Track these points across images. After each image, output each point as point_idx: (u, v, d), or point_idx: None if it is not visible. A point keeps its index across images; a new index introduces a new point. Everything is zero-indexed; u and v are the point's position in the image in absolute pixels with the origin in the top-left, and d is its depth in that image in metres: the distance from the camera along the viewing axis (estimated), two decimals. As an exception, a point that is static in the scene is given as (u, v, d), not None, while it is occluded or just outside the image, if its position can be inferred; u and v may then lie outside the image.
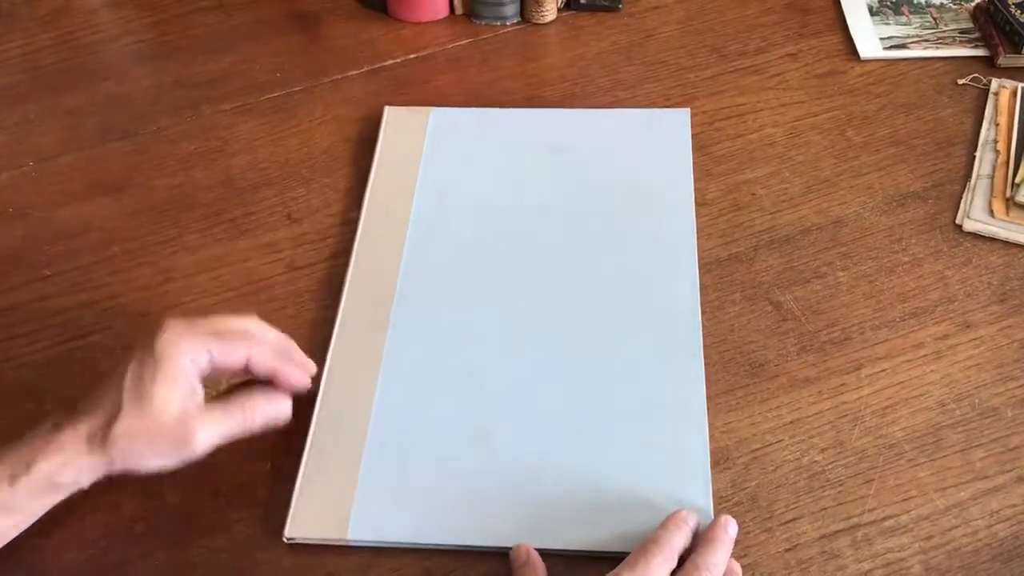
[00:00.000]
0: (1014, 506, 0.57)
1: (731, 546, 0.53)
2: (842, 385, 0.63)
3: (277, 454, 0.61)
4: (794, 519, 0.57)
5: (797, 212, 0.72)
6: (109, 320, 0.68)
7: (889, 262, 0.69)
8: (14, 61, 0.86)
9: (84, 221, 0.74)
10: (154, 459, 0.52)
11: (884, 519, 0.57)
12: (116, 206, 0.75)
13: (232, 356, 0.54)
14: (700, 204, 0.72)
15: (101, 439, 0.51)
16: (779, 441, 0.60)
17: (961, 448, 0.60)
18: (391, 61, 0.85)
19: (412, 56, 0.85)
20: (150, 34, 0.88)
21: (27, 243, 0.73)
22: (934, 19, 0.85)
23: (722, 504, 0.58)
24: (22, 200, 0.76)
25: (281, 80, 0.84)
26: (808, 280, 0.68)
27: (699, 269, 0.68)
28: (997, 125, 0.76)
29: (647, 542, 0.52)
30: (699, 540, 0.53)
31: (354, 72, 0.84)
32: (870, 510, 0.57)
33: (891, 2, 0.86)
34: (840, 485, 0.58)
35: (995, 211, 0.70)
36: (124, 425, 0.51)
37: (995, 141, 0.75)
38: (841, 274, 0.68)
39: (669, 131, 0.76)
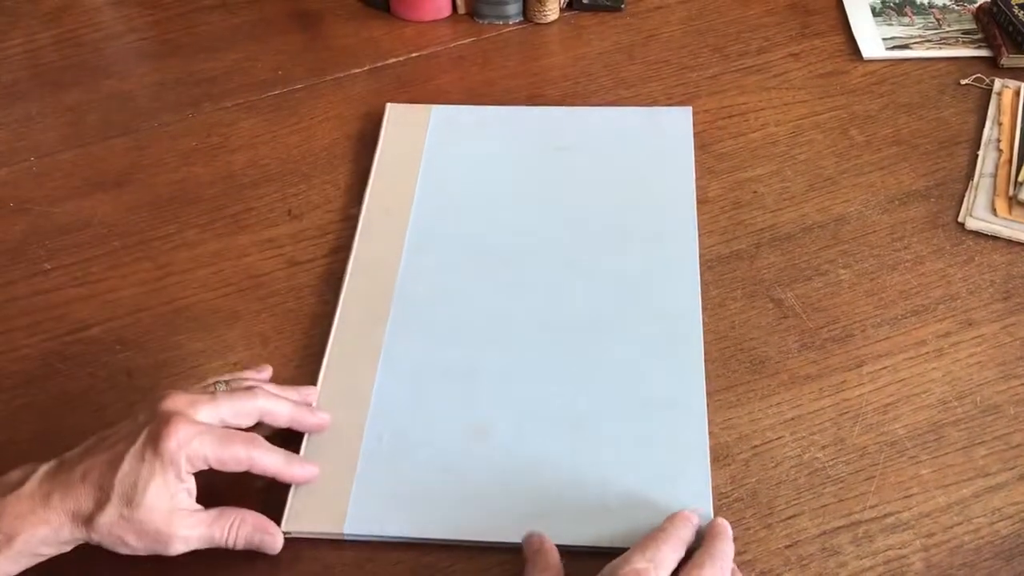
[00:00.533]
0: (1016, 504, 0.57)
1: (732, 546, 0.53)
2: (843, 382, 0.62)
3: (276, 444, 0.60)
4: (794, 516, 0.57)
5: (799, 210, 0.72)
6: (108, 314, 0.68)
7: (891, 260, 0.68)
8: (16, 58, 0.86)
9: (84, 216, 0.74)
10: (128, 550, 0.52)
11: (885, 516, 0.56)
12: (116, 201, 0.75)
13: (233, 467, 0.54)
14: (702, 202, 0.72)
15: (85, 520, 0.50)
16: (780, 438, 0.60)
17: (963, 445, 0.59)
18: (393, 60, 0.85)
19: (414, 55, 0.85)
20: (152, 32, 0.88)
21: (27, 237, 0.73)
22: (937, 20, 0.84)
23: (722, 500, 0.57)
24: (23, 195, 0.76)
25: (283, 78, 0.84)
26: (810, 278, 0.68)
27: (700, 266, 0.67)
28: (1000, 125, 0.75)
29: (656, 531, 0.52)
30: (704, 536, 0.53)
31: (356, 70, 0.84)
32: (871, 507, 0.57)
33: (894, 3, 0.86)
34: (841, 482, 0.58)
35: (998, 209, 0.70)
36: (109, 516, 0.50)
37: (998, 140, 0.74)
38: (843, 272, 0.68)
39: (671, 129, 0.76)
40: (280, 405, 0.57)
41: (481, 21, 0.87)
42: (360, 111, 0.80)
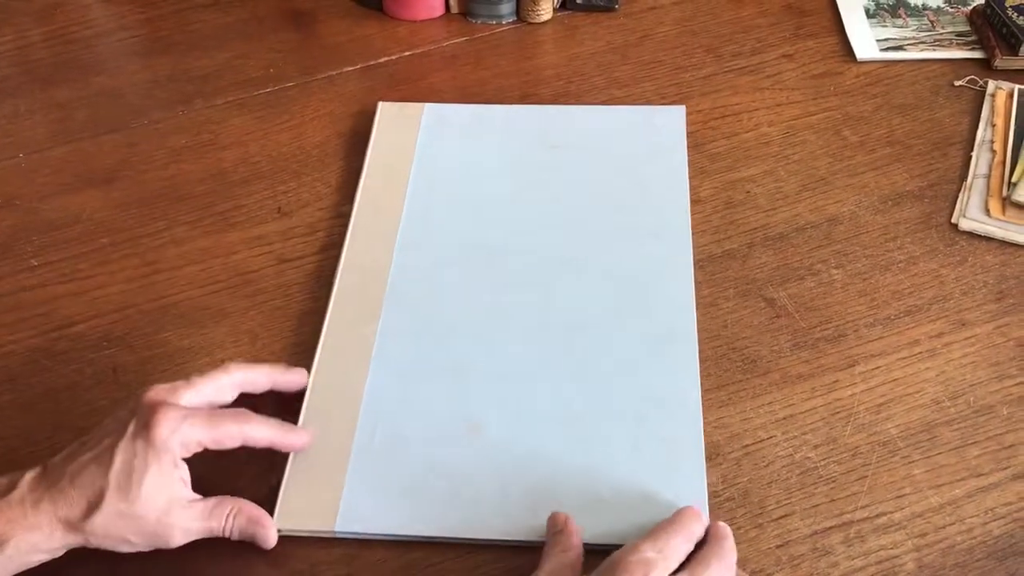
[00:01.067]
0: (1009, 504, 0.56)
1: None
2: (835, 382, 0.62)
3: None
4: (786, 515, 0.56)
5: (792, 210, 0.71)
6: (95, 311, 0.67)
7: (884, 260, 0.68)
8: (6, 55, 0.86)
9: (73, 213, 0.73)
10: (128, 547, 0.51)
11: (877, 516, 0.56)
12: (105, 198, 0.74)
13: (227, 444, 0.54)
14: (694, 201, 0.72)
15: (78, 523, 0.50)
16: (771, 437, 0.60)
17: (956, 446, 0.59)
18: (385, 58, 0.84)
19: (407, 53, 0.85)
20: (144, 30, 0.88)
21: (15, 233, 0.72)
22: (931, 22, 0.84)
23: (713, 499, 0.57)
24: (11, 191, 0.75)
25: (274, 76, 0.83)
26: (802, 277, 0.67)
27: (693, 265, 0.67)
28: (994, 126, 0.75)
29: (666, 522, 0.51)
30: (708, 537, 0.52)
31: (348, 69, 0.84)
32: (863, 507, 0.56)
33: (888, 5, 0.86)
34: (833, 482, 0.57)
35: (991, 210, 0.70)
36: (105, 515, 0.50)
37: (991, 142, 0.74)
38: (835, 272, 0.67)
39: (664, 128, 0.76)
40: (256, 372, 0.57)
41: (474, 20, 0.87)
42: (352, 109, 0.80)
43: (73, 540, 0.50)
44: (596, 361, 0.62)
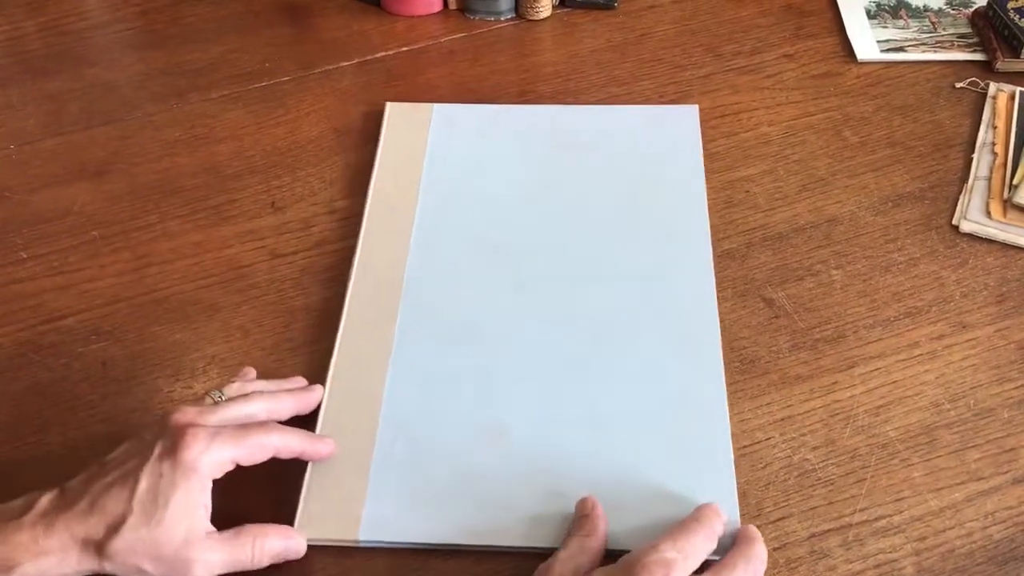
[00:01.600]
0: (1009, 508, 0.55)
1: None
2: (835, 383, 0.61)
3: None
4: (783, 518, 0.55)
5: (791, 210, 0.71)
6: (84, 304, 0.66)
7: (884, 261, 0.67)
8: (-1, 46, 0.85)
9: (64, 205, 0.73)
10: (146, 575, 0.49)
11: (876, 519, 0.55)
12: (97, 191, 0.73)
13: (258, 456, 0.53)
14: (693, 200, 0.71)
15: (97, 547, 0.48)
16: (769, 438, 0.59)
17: (956, 449, 0.58)
18: (383, 54, 0.83)
19: (404, 49, 0.84)
20: (139, 22, 0.87)
21: (4, 225, 0.71)
22: (932, 23, 0.84)
23: (709, 501, 0.56)
24: (1, 183, 0.74)
25: (270, 70, 0.82)
26: (801, 278, 0.67)
27: (713, 264, 0.66)
28: (995, 128, 0.74)
29: (686, 520, 0.51)
30: (737, 539, 0.52)
31: (345, 64, 0.83)
32: (861, 510, 0.56)
33: (889, 6, 0.85)
34: (831, 484, 0.57)
35: (992, 213, 0.69)
36: (126, 540, 0.47)
37: (993, 144, 0.73)
38: (835, 272, 0.67)
39: (678, 127, 0.75)
40: (282, 402, 0.56)
41: (472, 17, 0.86)
42: (348, 105, 0.79)
43: (88, 566, 0.48)
44: (620, 362, 0.61)
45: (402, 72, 0.82)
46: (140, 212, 0.72)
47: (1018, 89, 0.77)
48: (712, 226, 0.69)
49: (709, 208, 0.70)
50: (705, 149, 0.74)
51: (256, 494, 0.56)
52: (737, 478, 0.57)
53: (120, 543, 0.47)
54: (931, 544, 0.54)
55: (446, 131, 0.75)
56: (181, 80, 0.82)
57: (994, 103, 0.76)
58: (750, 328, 0.64)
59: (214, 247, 0.70)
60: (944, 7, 0.85)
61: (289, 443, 0.54)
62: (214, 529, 0.51)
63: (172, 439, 0.50)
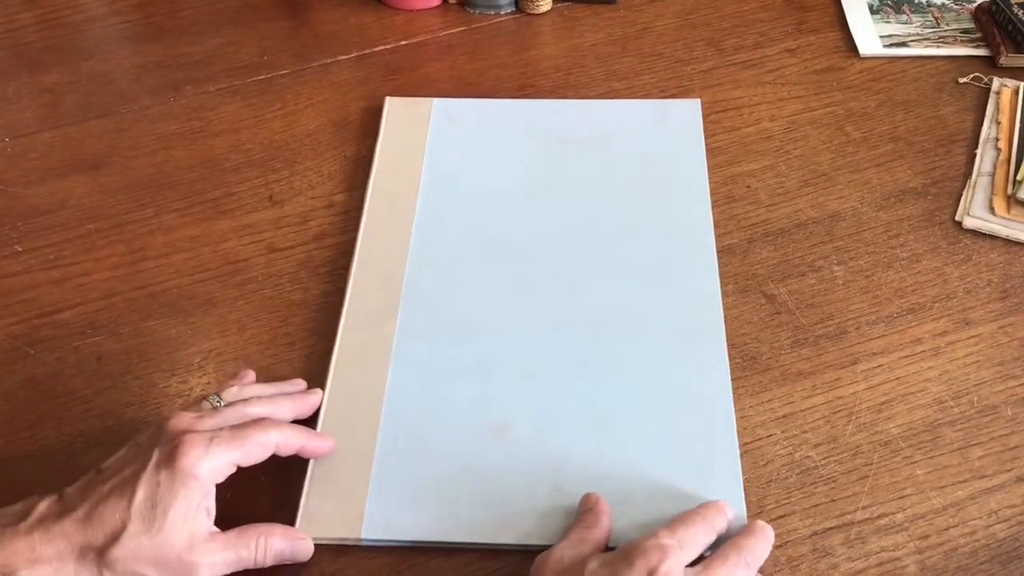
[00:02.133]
0: (1013, 506, 0.55)
1: (769, 548, 0.51)
2: (837, 380, 0.60)
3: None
4: (785, 515, 0.55)
5: (793, 205, 0.70)
6: (80, 298, 0.66)
7: (887, 257, 0.67)
8: (-5, 38, 0.84)
9: (59, 198, 0.72)
10: None
11: (878, 517, 0.55)
12: (93, 184, 0.73)
13: (259, 456, 0.52)
14: (694, 195, 0.70)
15: (97, 556, 0.46)
16: (771, 435, 0.58)
17: (959, 446, 0.57)
18: (381, 47, 0.83)
19: (403, 43, 0.83)
20: (136, 15, 0.86)
21: (-1, 218, 0.71)
22: (935, 18, 0.83)
23: (710, 498, 0.55)
24: (-4, 175, 0.73)
25: (268, 63, 0.82)
26: (803, 274, 0.66)
27: (717, 259, 0.66)
28: (998, 124, 0.74)
29: (687, 512, 0.51)
30: (742, 530, 0.51)
31: (343, 57, 0.82)
32: (864, 507, 0.55)
33: (892, 1, 0.85)
34: (833, 481, 0.56)
35: (996, 208, 0.68)
36: (127, 548, 0.46)
37: (996, 139, 0.73)
38: (837, 268, 0.66)
39: (680, 121, 0.74)
40: (280, 406, 0.55)
41: (472, 11, 0.85)
42: (346, 98, 0.79)
43: (88, 573, 0.47)
44: (623, 358, 0.61)
45: (401, 66, 0.81)
46: (136, 206, 0.71)
47: (1022, 84, 0.76)
48: (713, 221, 0.69)
49: (711, 204, 0.70)
50: (706, 144, 0.74)
51: (257, 492, 0.55)
52: (738, 475, 0.56)
53: (120, 551, 0.47)
54: (934, 542, 0.54)
55: (446, 125, 0.74)
56: (178, 73, 0.81)
57: (998, 98, 0.76)
58: (751, 324, 0.63)
59: (211, 241, 0.69)
60: (947, 2, 0.84)
61: (289, 440, 0.53)
62: (217, 530, 0.50)
63: (169, 446, 0.49)
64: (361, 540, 0.54)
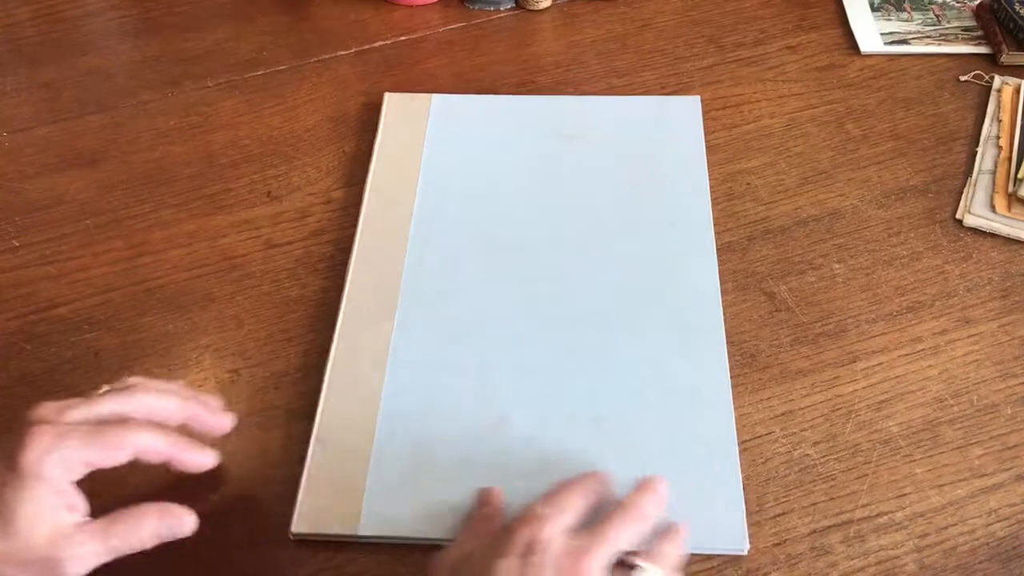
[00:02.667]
0: (1013, 505, 0.55)
1: (660, 504, 0.50)
2: (836, 378, 0.60)
3: (277, 443, 0.58)
4: (783, 513, 0.55)
5: (793, 203, 0.70)
6: (77, 293, 0.65)
7: (887, 255, 0.66)
8: (-7, 32, 0.84)
9: (57, 193, 0.72)
10: None
11: (877, 515, 0.54)
12: (90, 179, 0.72)
13: (116, 458, 0.47)
14: (693, 192, 0.70)
15: None
16: (770, 433, 0.58)
17: (959, 445, 0.57)
18: (380, 43, 0.83)
19: (402, 38, 0.83)
20: (134, 10, 0.86)
21: (-4, 213, 0.70)
22: (936, 16, 0.83)
23: (709, 496, 0.55)
24: (-7, 170, 0.73)
25: (266, 59, 0.81)
26: (803, 271, 0.66)
27: (716, 256, 0.65)
28: (999, 122, 0.74)
29: (563, 480, 0.50)
30: (633, 489, 0.50)
31: (342, 53, 0.82)
32: (863, 506, 0.55)
33: (893, -2, 0.85)
34: (832, 480, 0.56)
35: (996, 207, 0.68)
36: None
37: (997, 137, 0.73)
38: (837, 266, 0.66)
39: (680, 118, 0.74)
40: (166, 401, 0.50)
41: (472, 7, 0.85)
42: (345, 94, 0.78)
43: None
44: (622, 356, 0.60)
45: (400, 61, 0.81)
46: (134, 201, 0.71)
47: (1023, 82, 0.76)
48: (713, 219, 0.68)
49: (711, 201, 0.69)
50: (706, 141, 0.73)
51: (252, 487, 0.55)
52: (737, 473, 0.56)
53: None
54: (933, 541, 0.53)
55: (445, 121, 0.74)
56: (176, 68, 0.81)
57: (999, 96, 0.76)
58: (751, 322, 0.63)
59: (208, 236, 0.69)
60: (948, 0, 0.84)
61: (155, 443, 0.48)
62: (87, 520, 0.46)
63: (15, 440, 0.45)
64: (358, 536, 0.53)
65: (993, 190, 0.69)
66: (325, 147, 0.74)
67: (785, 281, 0.65)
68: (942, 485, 0.56)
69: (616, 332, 0.61)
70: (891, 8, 0.84)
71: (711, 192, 0.70)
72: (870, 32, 0.81)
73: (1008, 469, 0.56)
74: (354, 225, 0.68)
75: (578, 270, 0.65)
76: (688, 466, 0.55)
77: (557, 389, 0.59)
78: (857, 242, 0.67)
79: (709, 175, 0.71)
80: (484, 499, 0.53)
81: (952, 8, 0.83)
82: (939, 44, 0.80)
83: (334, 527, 0.54)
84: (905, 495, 0.55)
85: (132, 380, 0.52)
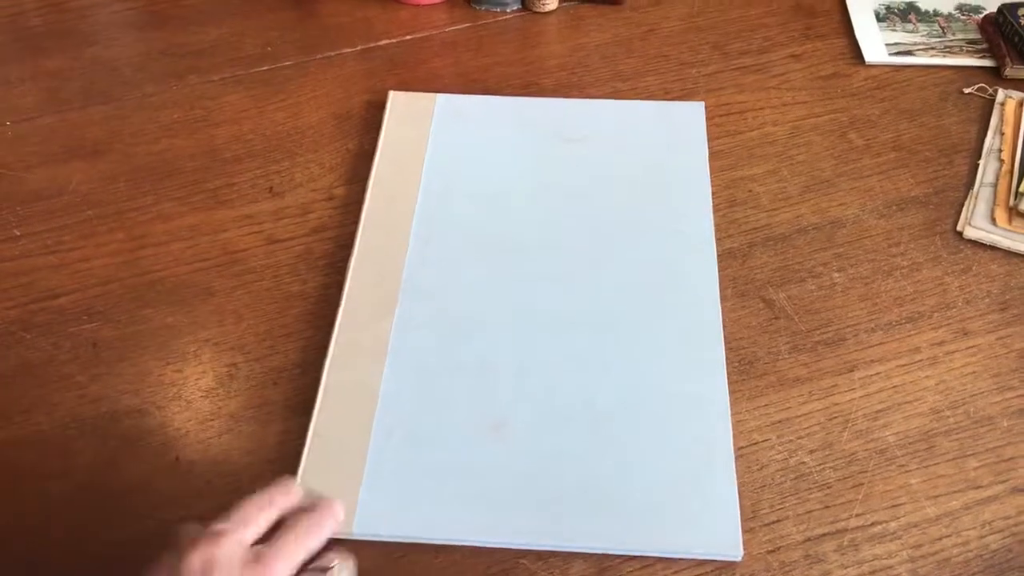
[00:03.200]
0: (1008, 517, 0.55)
1: (335, 522, 0.49)
2: (834, 386, 0.60)
3: (275, 438, 0.58)
4: (778, 520, 0.55)
5: (794, 211, 0.70)
6: (77, 284, 0.65)
7: (887, 265, 0.67)
8: (-1, 22, 0.84)
9: (59, 184, 0.72)
10: None
11: (872, 525, 0.54)
12: (93, 170, 0.73)
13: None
14: (695, 198, 0.70)
15: None
16: (766, 440, 0.58)
17: (954, 456, 0.57)
18: (386, 41, 0.83)
19: (408, 37, 0.83)
20: (141, 2, 0.86)
21: (-2, 202, 0.70)
22: (942, 28, 0.83)
23: (704, 502, 0.55)
24: (-4, 159, 0.73)
25: (272, 54, 0.81)
26: (803, 279, 0.66)
27: (717, 262, 0.65)
28: (1002, 135, 0.74)
29: (247, 496, 0.48)
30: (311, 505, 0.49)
31: (348, 50, 0.82)
32: (858, 515, 0.55)
33: (898, 9, 0.85)
34: (828, 488, 0.56)
35: (997, 219, 0.68)
36: None
37: (1000, 150, 0.73)
38: (837, 275, 0.66)
39: (683, 124, 0.74)
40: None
41: (478, 7, 0.85)
42: (350, 91, 0.78)
43: None
44: (621, 359, 0.60)
45: (405, 60, 0.81)
46: (136, 193, 0.71)
47: (1026, 96, 0.76)
48: (714, 225, 0.68)
49: (712, 207, 0.69)
50: (709, 147, 0.73)
51: (249, 482, 0.55)
52: (732, 479, 0.56)
53: None
54: (927, 552, 0.53)
55: (449, 121, 0.74)
56: (182, 61, 0.81)
57: (1002, 109, 0.76)
58: (750, 329, 0.63)
59: (210, 230, 0.69)
60: (954, 12, 0.84)
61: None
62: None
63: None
64: (353, 536, 0.53)
65: (994, 203, 0.69)
66: (328, 144, 0.74)
67: (785, 289, 0.65)
68: (937, 496, 0.56)
69: (615, 335, 0.62)
70: (897, 19, 0.84)
71: (713, 198, 0.70)
72: (875, 42, 0.81)
73: (1003, 481, 0.56)
74: (355, 222, 0.68)
75: (578, 273, 0.65)
76: (683, 471, 0.55)
77: (555, 391, 0.59)
78: (857, 251, 0.67)
79: (711, 181, 0.71)
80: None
81: (958, 20, 0.84)
82: (944, 56, 0.80)
83: None
84: (900, 505, 0.55)
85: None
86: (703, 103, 0.75)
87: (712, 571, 0.53)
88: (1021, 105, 0.76)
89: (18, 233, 0.68)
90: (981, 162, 0.72)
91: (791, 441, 0.58)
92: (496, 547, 0.54)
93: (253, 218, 0.69)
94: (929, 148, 0.74)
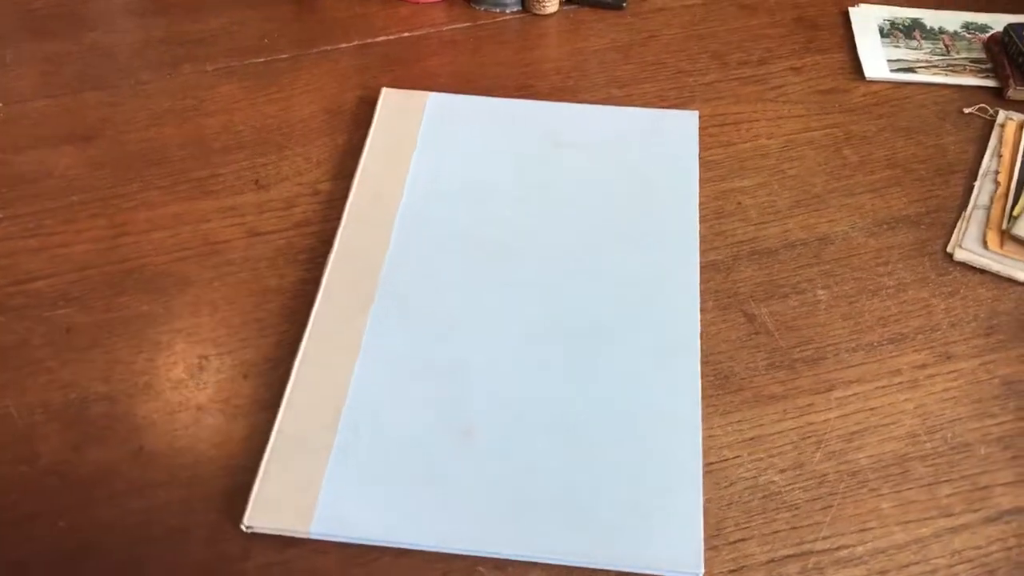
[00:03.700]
0: (978, 548, 0.54)
1: None
2: (810, 405, 0.59)
3: (241, 433, 0.58)
4: (743, 539, 0.54)
5: (782, 225, 0.69)
6: (55, 268, 0.65)
7: (873, 285, 0.65)
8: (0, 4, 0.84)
9: (46, 167, 0.72)
10: None
11: (838, 548, 0.53)
12: (81, 155, 0.72)
13: None
14: (683, 208, 0.69)
15: None
16: (736, 457, 0.57)
17: (928, 482, 0.56)
18: (383, 38, 0.82)
19: (405, 35, 0.83)
20: (142, -11, 0.86)
21: (-16, 183, 0.70)
22: (946, 46, 0.82)
23: (669, 516, 0.54)
24: (-14, 140, 0.73)
25: (267, 46, 0.81)
26: (786, 295, 0.65)
27: (699, 275, 0.65)
28: (1000, 156, 0.72)
29: None
30: None
31: (344, 45, 0.81)
32: (824, 538, 0.54)
33: (903, 26, 0.83)
34: (796, 509, 0.55)
35: (989, 243, 0.67)
36: None
37: (996, 172, 0.71)
38: (821, 292, 0.65)
39: (676, 133, 0.73)
40: None
41: (478, 7, 0.85)
42: (343, 86, 0.78)
43: None
44: (596, 368, 0.60)
45: (401, 58, 0.80)
46: (122, 180, 0.71)
47: (1027, 119, 0.75)
48: (700, 236, 0.68)
49: (698, 218, 0.68)
50: (701, 157, 0.73)
51: (212, 477, 0.55)
52: (699, 495, 0.55)
53: None
54: (892, 578, 0.52)
55: (439, 121, 0.74)
56: (178, 50, 0.81)
57: (1002, 131, 0.74)
58: (728, 343, 0.62)
59: (192, 220, 0.68)
60: (960, 30, 0.83)
61: None
62: None
63: None
64: (309, 535, 0.53)
65: (987, 226, 0.68)
66: (317, 138, 0.74)
67: (767, 304, 0.64)
68: (907, 522, 0.55)
69: (591, 344, 0.61)
70: (901, 35, 0.83)
71: (701, 209, 0.69)
72: (877, 58, 0.80)
73: (976, 510, 0.55)
74: (339, 218, 0.67)
75: (559, 279, 0.64)
76: (650, 485, 0.55)
77: (527, 399, 0.58)
78: (844, 269, 0.66)
79: (700, 192, 0.70)
80: None
81: (963, 39, 0.82)
82: (946, 75, 0.79)
83: (287, 523, 0.53)
84: (869, 529, 0.54)
85: None
86: (697, 112, 0.75)
87: (672, 587, 0.52)
88: (1021, 127, 0.74)
89: (0, 215, 0.68)
90: (976, 183, 0.71)
91: (762, 459, 0.57)
92: (455, 553, 0.53)
93: (236, 210, 0.69)
94: (924, 167, 0.73)
